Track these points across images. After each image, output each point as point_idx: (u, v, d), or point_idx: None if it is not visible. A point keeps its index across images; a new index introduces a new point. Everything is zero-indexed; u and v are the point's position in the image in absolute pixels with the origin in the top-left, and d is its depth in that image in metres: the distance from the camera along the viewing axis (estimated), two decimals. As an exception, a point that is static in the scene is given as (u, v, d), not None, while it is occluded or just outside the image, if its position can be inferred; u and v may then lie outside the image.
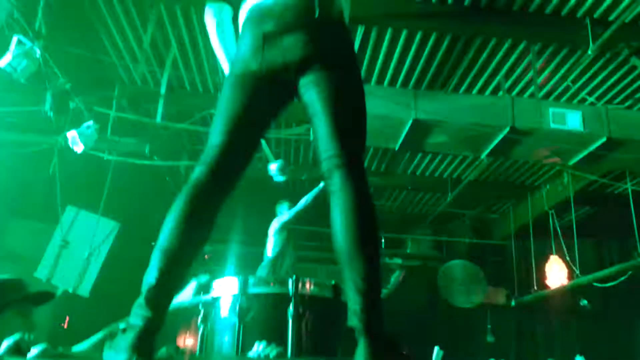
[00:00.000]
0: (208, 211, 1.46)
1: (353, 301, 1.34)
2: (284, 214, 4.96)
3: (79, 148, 4.19)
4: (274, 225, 4.89)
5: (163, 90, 4.45)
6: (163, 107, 4.55)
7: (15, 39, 3.70)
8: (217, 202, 1.48)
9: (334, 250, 1.43)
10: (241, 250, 7.05)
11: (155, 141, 5.57)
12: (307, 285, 2.36)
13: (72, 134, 4.16)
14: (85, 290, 5.74)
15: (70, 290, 5.65)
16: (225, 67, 1.83)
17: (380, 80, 4.64)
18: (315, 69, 1.53)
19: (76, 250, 5.65)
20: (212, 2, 1.79)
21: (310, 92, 1.54)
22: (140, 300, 1.34)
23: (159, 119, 4.55)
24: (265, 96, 1.58)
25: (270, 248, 4.84)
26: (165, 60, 4.45)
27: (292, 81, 1.57)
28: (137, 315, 1.32)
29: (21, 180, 5.34)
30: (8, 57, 3.62)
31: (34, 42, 3.73)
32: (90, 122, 4.36)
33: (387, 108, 4.02)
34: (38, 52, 3.69)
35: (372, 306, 1.33)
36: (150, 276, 1.36)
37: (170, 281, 1.38)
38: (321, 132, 1.51)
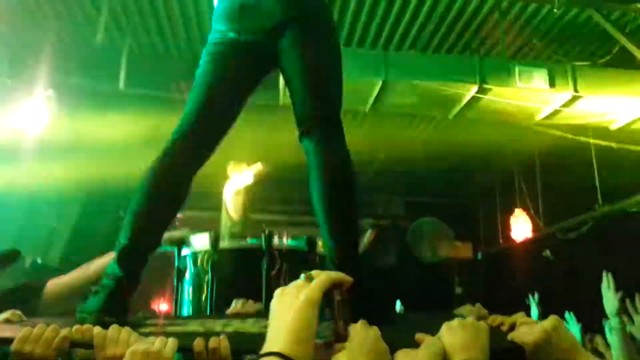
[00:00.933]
0: (180, 179, 1.46)
1: (331, 252, 1.40)
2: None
3: None
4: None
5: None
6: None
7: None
8: (190, 169, 1.48)
9: (313, 208, 1.45)
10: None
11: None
12: (282, 239, 2.34)
13: None
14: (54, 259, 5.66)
15: (39, 261, 5.56)
16: None
17: (348, 43, 4.58)
18: (293, 32, 1.52)
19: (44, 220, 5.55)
20: None
21: (287, 55, 1.53)
22: (112, 261, 1.35)
23: (121, 85, 4.40)
24: (243, 64, 1.57)
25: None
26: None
27: (270, 46, 1.55)
28: (109, 276, 1.33)
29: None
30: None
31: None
32: (50, 91, 4.18)
33: (356, 70, 3.98)
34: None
35: (348, 254, 1.39)
36: (123, 237, 1.36)
37: (143, 243, 1.39)
38: (298, 94, 1.52)
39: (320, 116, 1.49)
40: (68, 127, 4.63)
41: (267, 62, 1.61)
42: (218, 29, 1.58)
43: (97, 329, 1.11)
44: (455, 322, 1.03)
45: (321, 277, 0.85)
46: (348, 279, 0.89)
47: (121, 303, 1.32)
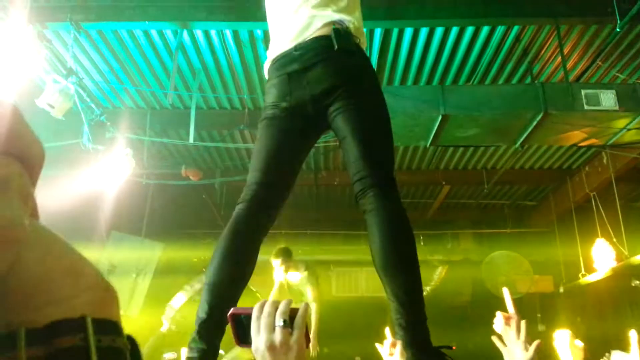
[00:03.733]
0: (250, 246, 1.55)
1: (397, 314, 1.39)
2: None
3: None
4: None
5: (193, 112, 4.56)
6: (194, 129, 4.65)
7: (49, 78, 3.88)
8: (259, 237, 1.58)
9: (375, 266, 1.47)
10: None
11: (189, 162, 5.73)
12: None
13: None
14: (134, 310, 5.91)
15: (121, 312, 5.83)
16: None
17: (403, 81, 4.63)
18: (341, 97, 1.62)
19: (123, 273, 5.83)
20: None
21: (338, 118, 1.63)
22: (194, 335, 1.42)
23: (191, 140, 4.66)
24: (297, 131, 1.68)
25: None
26: (192, 85, 4.55)
27: (320, 112, 1.66)
28: (193, 349, 1.40)
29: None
30: (45, 96, 3.79)
31: (67, 79, 3.89)
32: (127, 150, 4.51)
33: (414, 107, 4.00)
34: (72, 88, 3.85)
35: (416, 318, 1.39)
36: (202, 311, 1.44)
37: (221, 314, 1.44)
38: (352, 154, 1.59)
39: (377, 176, 1.55)
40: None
41: (320, 125, 1.73)
42: (270, 104, 1.70)
43: None
44: None
45: (300, 325, 0.98)
46: (306, 310, 1.01)
47: None
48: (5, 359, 0.24)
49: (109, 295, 0.30)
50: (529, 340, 1.56)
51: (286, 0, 1.80)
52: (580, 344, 3.71)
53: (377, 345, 1.42)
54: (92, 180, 4.63)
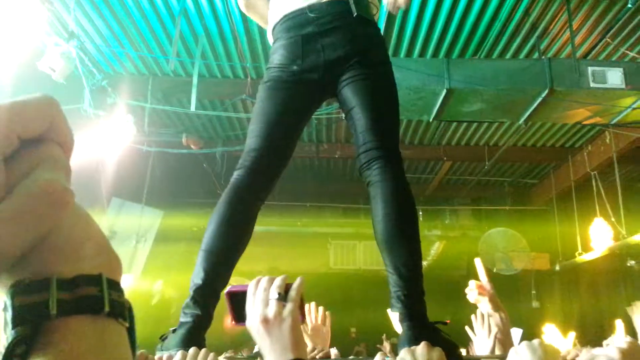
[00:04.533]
0: (248, 214, 1.52)
1: (396, 287, 1.40)
2: None
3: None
4: None
5: (195, 80, 4.51)
6: (196, 97, 4.61)
7: (51, 41, 3.83)
8: (257, 205, 1.55)
9: (375, 238, 1.48)
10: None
11: (190, 130, 5.70)
12: None
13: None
14: (134, 275, 5.98)
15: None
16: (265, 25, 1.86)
17: (409, 53, 4.57)
18: (353, 66, 1.59)
19: (124, 239, 5.87)
20: None
21: (347, 88, 1.59)
22: (188, 300, 1.41)
23: (192, 108, 4.63)
24: (303, 97, 1.64)
25: None
26: (194, 52, 4.49)
27: (331, 79, 1.62)
28: (187, 314, 1.40)
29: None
30: (46, 59, 3.75)
31: (68, 43, 3.84)
32: (129, 116, 4.49)
33: (419, 80, 3.97)
34: (74, 52, 3.80)
35: (414, 291, 1.40)
36: (197, 277, 1.42)
37: (216, 281, 1.44)
38: (360, 125, 1.57)
39: (383, 148, 1.53)
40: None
41: (325, 93, 1.69)
42: (279, 61, 1.63)
43: (181, 353, 1.20)
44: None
45: (294, 298, 0.99)
46: (301, 284, 1.02)
47: (200, 338, 1.38)
48: (40, 298, 0.32)
49: (117, 261, 0.38)
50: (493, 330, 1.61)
51: None
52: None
53: (389, 310, 1.43)
54: (93, 146, 4.61)
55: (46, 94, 0.35)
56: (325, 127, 6.00)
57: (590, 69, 3.87)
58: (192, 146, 5.58)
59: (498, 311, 1.67)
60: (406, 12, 4.09)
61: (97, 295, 0.34)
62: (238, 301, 1.04)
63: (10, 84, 4.08)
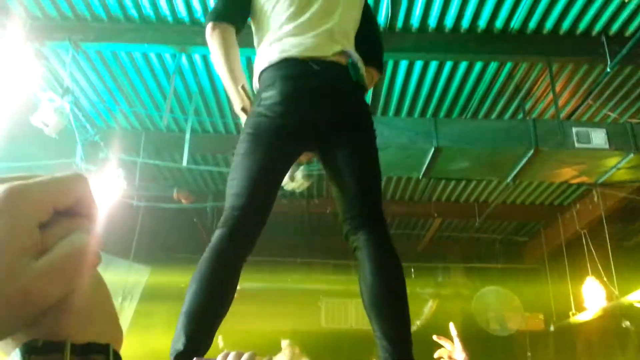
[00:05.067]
0: (231, 274, 1.45)
1: (386, 353, 1.37)
2: None
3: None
4: None
5: (187, 135, 4.57)
6: (188, 152, 4.65)
7: (45, 96, 3.89)
8: (239, 264, 1.48)
9: (363, 302, 1.46)
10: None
11: (181, 184, 5.71)
12: None
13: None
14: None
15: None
16: (231, 90, 1.71)
17: (397, 112, 4.68)
18: (346, 130, 1.59)
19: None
20: (216, 20, 1.71)
21: (339, 151, 1.59)
22: None
23: (184, 163, 4.66)
24: (289, 153, 1.59)
25: None
26: (188, 108, 4.58)
27: (320, 137, 1.61)
28: None
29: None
30: (39, 114, 3.80)
31: (63, 98, 3.90)
32: (120, 171, 4.50)
33: (407, 137, 4.03)
34: (67, 107, 3.86)
35: (403, 354, 1.36)
36: (177, 343, 1.34)
37: (197, 346, 1.36)
38: (347, 192, 1.56)
39: (370, 215, 1.53)
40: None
41: (310, 149, 1.66)
42: (270, 109, 1.55)
43: None
44: None
45: None
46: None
47: None
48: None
49: (121, 333, 0.40)
50: None
51: (297, 8, 1.67)
52: None
53: None
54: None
55: (77, 171, 0.39)
56: (316, 183, 6.04)
57: (574, 129, 3.96)
58: (183, 200, 5.57)
59: None
60: (394, 73, 4.23)
61: None
62: None
63: (3, 136, 4.12)
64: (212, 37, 1.70)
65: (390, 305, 1.41)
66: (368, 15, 1.86)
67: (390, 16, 3.65)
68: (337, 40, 1.66)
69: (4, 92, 3.43)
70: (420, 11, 3.63)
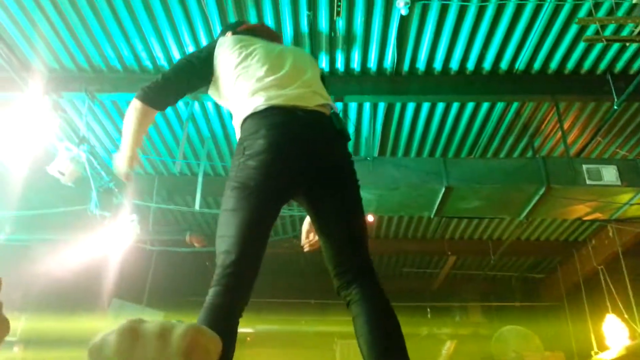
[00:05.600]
0: (230, 332, 1.40)
1: None
2: None
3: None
4: None
5: (200, 179, 4.63)
6: (200, 195, 4.71)
7: (62, 145, 3.99)
8: (236, 321, 1.43)
9: (362, 356, 1.44)
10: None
11: (194, 228, 5.75)
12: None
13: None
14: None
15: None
16: (125, 152, 1.72)
17: (406, 152, 4.72)
18: (334, 179, 1.59)
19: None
20: (144, 103, 1.72)
21: (322, 200, 1.59)
22: None
23: (197, 206, 4.70)
24: (277, 203, 1.55)
25: None
26: (200, 153, 4.66)
27: (307, 185, 1.59)
28: None
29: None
30: (56, 163, 3.89)
31: (79, 147, 4.01)
32: (133, 216, 4.55)
33: (417, 177, 4.05)
34: (83, 156, 3.95)
35: None
36: None
37: None
38: (334, 243, 1.55)
39: (360, 267, 1.52)
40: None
41: (295, 196, 1.64)
42: (256, 157, 1.51)
43: None
44: None
45: None
46: None
47: None
48: None
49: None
50: None
51: (271, 66, 1.71)
52: None
53: None
54: (98, 246, 4.64)
55: None
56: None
57: (585, 166, 3.96)
58: (196, 244, 5.59)
59: None
60: (402, 115, 4.29)
61: None
62: None
63: (21, 185, 4.21)
64: (135, 109, 1.73)
65: (394, 354, 1.41)
66: (323, 80, 1.89)
67: (397, 60, 3.73)
68: (318, 93, 1.70)
69: (23, 143, 3.53)
70: (425, 55, 3.71)
